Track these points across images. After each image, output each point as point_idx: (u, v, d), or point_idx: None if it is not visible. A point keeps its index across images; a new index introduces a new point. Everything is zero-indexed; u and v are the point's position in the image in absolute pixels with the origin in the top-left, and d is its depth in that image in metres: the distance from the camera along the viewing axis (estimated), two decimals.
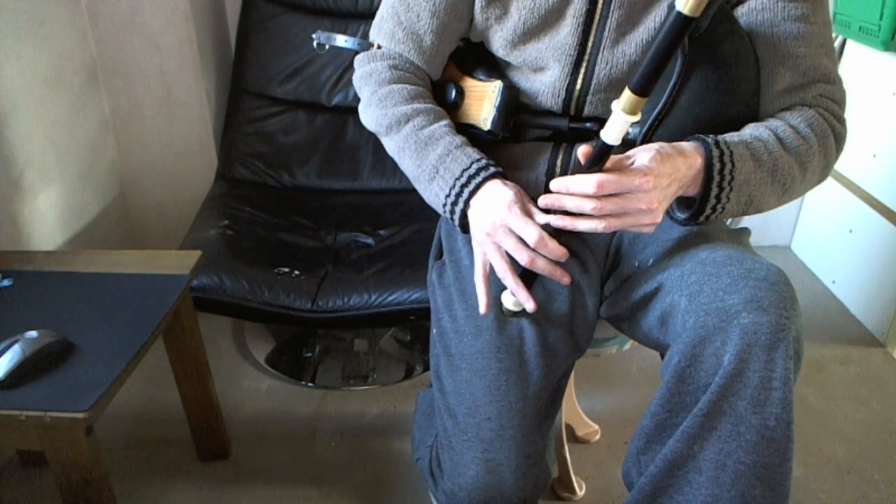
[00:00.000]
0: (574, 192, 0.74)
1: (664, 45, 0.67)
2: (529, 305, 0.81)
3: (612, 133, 0.72)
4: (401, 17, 0.93)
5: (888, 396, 1.54)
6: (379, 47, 0.96)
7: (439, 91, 0.98)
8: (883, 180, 1.71)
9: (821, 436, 1.42)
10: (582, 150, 0.75)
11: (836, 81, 0.86)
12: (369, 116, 0.94)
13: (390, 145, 0.92)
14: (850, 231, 1.83)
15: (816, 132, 0.82)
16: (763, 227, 2.09)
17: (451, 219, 0.87)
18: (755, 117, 0.85)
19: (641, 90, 0.69)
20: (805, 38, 0.82)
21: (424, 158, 0.87)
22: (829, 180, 1.90)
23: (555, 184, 0.76)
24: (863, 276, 1.79)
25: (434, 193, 0.87)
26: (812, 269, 2.02)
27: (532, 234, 0.77)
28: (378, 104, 0.92)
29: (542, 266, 0.79)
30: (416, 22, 0.92)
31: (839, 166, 1.87)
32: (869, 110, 1.74)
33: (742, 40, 0.81)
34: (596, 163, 0.74)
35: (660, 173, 0.73)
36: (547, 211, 0.78)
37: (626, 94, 0.70)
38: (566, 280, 0.80)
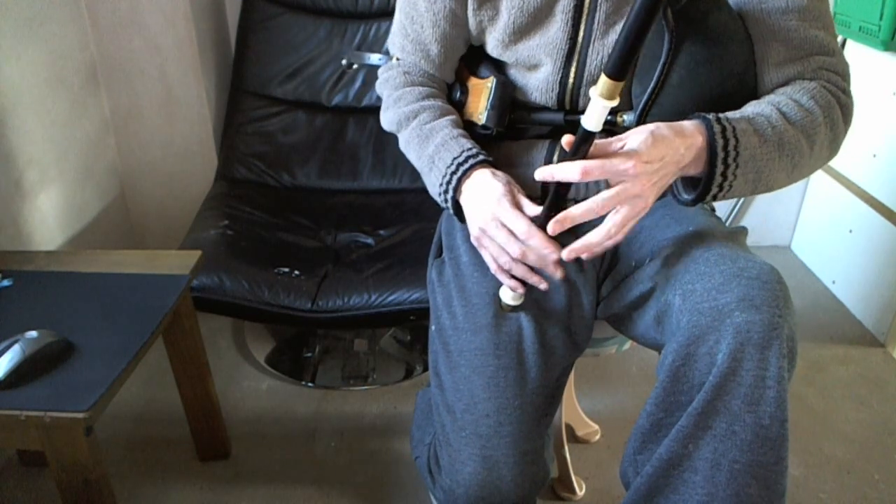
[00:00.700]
0: (559, 178, 0.73)
1: (634, 29, 0.66)
2: (543, 285, 0.82)
3: (591, 119, 0.71)
4: (407, 29, 0.97)
5: (888, 396, 1.54)
6: (397, 59, 1.01)
7: (449, 92, 1.02)
8: (883, 180, 1.71)
9: (821, 436, 1.42)
10: (566, 139, 0.74)
11: (835, 53, 0.84)
12: (387, 117, 0.99)
13: (401, 141, 0.97)
14: (850, 231, 1.83)
15: (821, 104, 0.80)
16: (763, 227, 2.09)
17: (446, 207, 0.90)
18: (754, 95, 0.84)
19: (616, 74, 0.69)
20: (796, 10, 0.81)
21: (424, 150, 0.91)
22: (829, 180, 1.90)
23: (540, 172, 0.75)
24: (863, 276, 1.79)
25: (432, 183, 0.91)
26: (812, 269, 2.02)
27: (521, 226, 0.78)
28: (393, 105, 0.98)
29: (533, 259, 0.79)
30: (420, 33, 0.96)
31: (839, 166, 1.88)
32: (869, 110, 1.74)
33: (729, 13, 0.80)
34: (579, 149, 0.73)
35: (649, 157, 0.71)
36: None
37: (602, 79, 0.69)
38: (558, 274, 0.81)
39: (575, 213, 0.74)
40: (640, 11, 0.66)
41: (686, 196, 0.80)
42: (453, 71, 1.02)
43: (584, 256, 0.76)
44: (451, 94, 1.01)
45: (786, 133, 0.78)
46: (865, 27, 1.61)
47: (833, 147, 0.85)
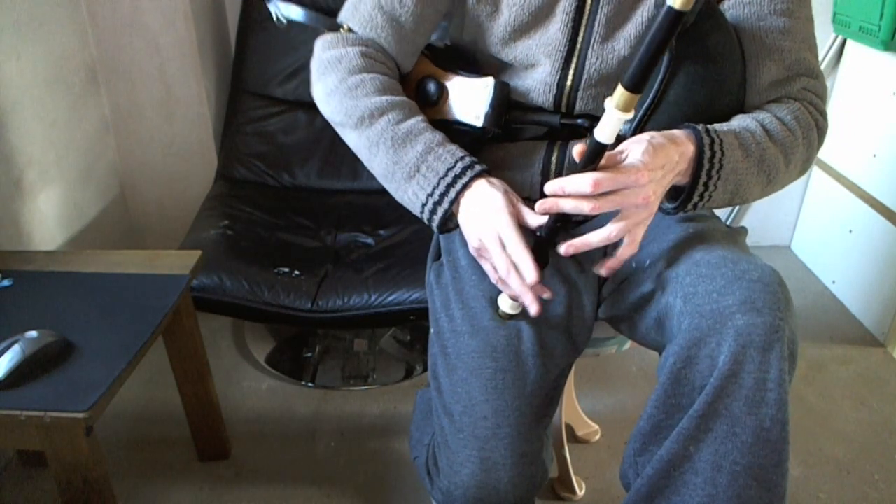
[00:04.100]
0: (570, 192, 0.73)
1: (657, 41, 0.66)
2: (547, 294, 0.82)
3: (605, 131, 0.71)
4: (382, 1, 0.90)
5: (888, 396, 1.54)
6: (349, 31, 0.92)
7: (418, 86, 0.96)
8: (883, 180, 1.71)
9: (821, 436, 1.42)
10: (577, 149, 0.74)
11: (818, 76, 0.87)
12: (335, 106, 0.88)
13: (359, 139, 0.87)
14: (850, 231, 1.83)
15: (802, 125, 0.84)
16: (763, 227, 2.09)
17: (431, 219, 0.84)
18: (741, 110, 0.86)
19: (635, 87, 0.69)
20: (790, 32, 0.83)
21: (403, 155, 0.84)
22: (829, 180, 1.90)
23: (549, 186, 0.75)
24: (863, 276, 1.79)
25: (412, 192, 0.84)
26: (812, 269, 2.02)
27: (523, 262, 0.77)
28: (347, 93, 0.87)
29: (514, 286, 0.79)
30: (398, 8, 0.89)
31: (839, 166, 1.87)
32: (869, 110, 1.74)
33: (728, 34, 0.82)
34: (591, 162, 0.73)
35: (654, 166, 0.73)
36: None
37: (620, 91, 0.69)
38: (546, 295, 0.82)
39: (592, 240, 0.76)
40: (662, 25, 0.65)
41: (668, 205, 0.82)
42: (413, 60, 0.96)
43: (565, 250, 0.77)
44: (425, 90, 0.94)
45: (767, 150, 0.80)
46: (865, 27, 1.61)
47: (805, 166, 0.88)
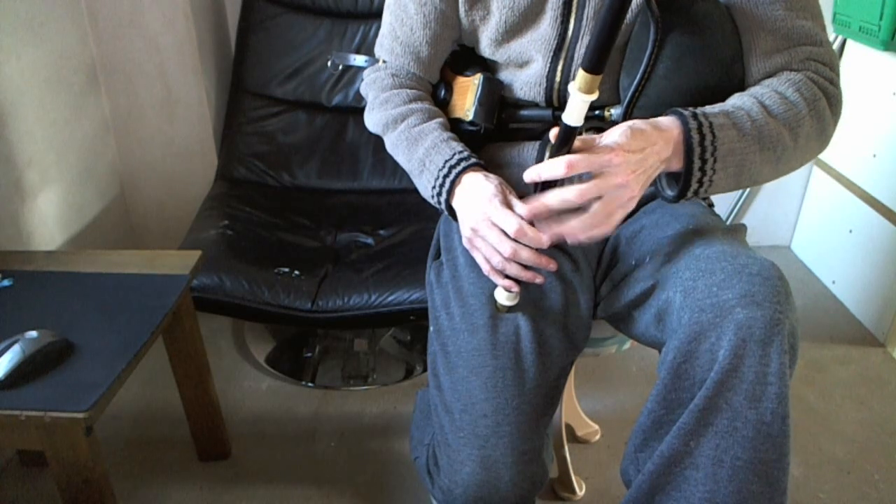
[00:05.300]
0: (546, 177, 0.74)
1: (606, 22, 0.67)
2: (539, 279, 0.82)
3: (572, 114, 0.71)
4: (397, 32, 0.98)
5: (888, 396, 1.54)
6: (384, 62, 1.02)
7: (434, 91, 1.02)
8: (883, 180, 1.71)
9: (821, 436, 1.42)
10: (554, 133, 0.75)
11: (823, 43, 0.84)
12: (372, 119, 0.99)
13: (388, 143, 0.97)
14: (850, 231, 1.83)
15: (805, 96, 0.80)
16: (763, 226, 2.09)
17: (441, 210, 0.91)
18: (741, 87, 0.84)
19: (592, 68, 0.69)
20: (783, 0, 0.81)
21: (414, 153, 0.91)
22: (829, 180, 1.90)
23: (528, 174, 0.75)
24: (863, 276, 1.79)
25: (424, 186, 0.91)
26: (812, 269, 2.02)
27: (511, 224, 0.78)
28: (380, 107, 0.97)
29: (525, 256, 0.80)
30: (410, 35, 0.96)
31: (839, 166, 1.88)
32: (869, 110, 1.74)
33: (715, 3, 0.81)
34: (563, 145, 0.74)
35: (630, 148, 0.72)
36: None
37: (580, 74, 0.70)
38: (552, 266, 0.81)
39: (551, 202, 0.74)
40: (612, 5, 0.66)
41: (669, 192, 0.81)
42: (438, 72, 1.02)
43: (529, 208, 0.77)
44: (436, 93, 1.01)
45: (766, 126, 0.78)
46: (865, 27, 1.61)
47: (822, 139, 0.84)
